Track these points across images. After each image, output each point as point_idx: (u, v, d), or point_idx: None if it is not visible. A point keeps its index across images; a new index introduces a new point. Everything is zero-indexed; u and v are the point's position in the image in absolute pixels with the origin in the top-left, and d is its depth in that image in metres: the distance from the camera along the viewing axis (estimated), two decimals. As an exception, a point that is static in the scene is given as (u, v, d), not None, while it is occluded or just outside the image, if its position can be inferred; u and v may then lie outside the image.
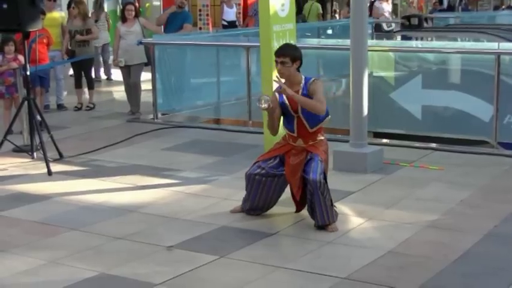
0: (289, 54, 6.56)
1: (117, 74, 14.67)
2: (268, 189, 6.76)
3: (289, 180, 6.69)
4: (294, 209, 6.90)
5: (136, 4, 13.33)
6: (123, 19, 12.44)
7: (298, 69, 6.64)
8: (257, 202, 6.84)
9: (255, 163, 6.81)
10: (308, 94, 6.55)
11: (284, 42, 8.89)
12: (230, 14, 19.78)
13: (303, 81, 6.64)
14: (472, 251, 6.00)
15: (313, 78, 6.66)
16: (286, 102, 6.62)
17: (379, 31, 18.81)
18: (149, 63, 12.12)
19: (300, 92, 6.57)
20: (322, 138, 6.74)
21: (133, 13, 12.39)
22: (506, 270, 5.66)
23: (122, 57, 12.18)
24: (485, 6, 32.35)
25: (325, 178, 6.49)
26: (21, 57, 10.16)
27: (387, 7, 20.56)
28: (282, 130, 6.89)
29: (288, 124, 6.73)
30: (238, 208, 7.05)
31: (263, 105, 6.46)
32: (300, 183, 6.59)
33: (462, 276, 5.53)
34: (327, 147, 6.77)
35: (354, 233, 6.51)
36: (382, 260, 5.86)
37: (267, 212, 6.97)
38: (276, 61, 6.61)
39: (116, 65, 12.43)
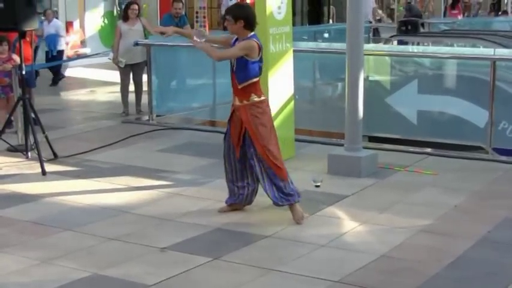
0: (231, 13, 6.84)
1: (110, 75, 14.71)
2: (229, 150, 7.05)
3: (234, 144, 6.97)
4: (287, 212, 6.89)
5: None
6: (125, 18, 12.46)
7: (246, 28, 6.80)
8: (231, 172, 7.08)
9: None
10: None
11: (280, 45, 8.94)
12: None
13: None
14: (465, 256, 6.01)
15: (252, 39, 6.84)
16: None
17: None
18: None
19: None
20: (257, 99, 6.87)
21: (137, 12, 12.46)
22: (499, 275, 5.67)
23: (123, 57, 12.20)
24: (482, 13, 32.43)
25: (267, 153, 6.77)
26: (16, 57, 10.14)
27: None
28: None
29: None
30: (225, 207, 7.10)
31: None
32: (237, 142, 6.92)
33: (455, 281, 5.54)
34: (263, 109, 6.90)
35: (348, 237, 6.51)
36: (375, 264, 5.86)
37: (261, 215, 6.97)
38: (223, 19, 6.89)
39: (116, 64, 12.41)
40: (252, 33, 6.82)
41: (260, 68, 6.88)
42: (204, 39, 7.08)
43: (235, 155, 6.97)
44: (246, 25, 6.78)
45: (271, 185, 6.80)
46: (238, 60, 6.76)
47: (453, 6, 26.82)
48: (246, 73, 6.78)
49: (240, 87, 6.81)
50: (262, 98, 6.90)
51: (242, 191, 7.04)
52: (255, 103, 6.83)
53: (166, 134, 10.88)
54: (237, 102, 6.87)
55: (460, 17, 24.86)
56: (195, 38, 7.01)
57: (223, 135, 7.12)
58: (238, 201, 7.10)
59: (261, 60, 6.85)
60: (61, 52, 16.49)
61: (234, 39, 6.91)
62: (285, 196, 6.79)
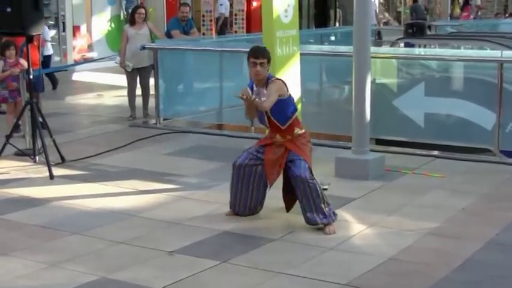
0: (267, 56, 6.83)
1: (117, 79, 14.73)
2: (249, 181, 6.93)
3: (266, 171, 6.83)
4: (295, 215, 6.90)
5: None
6: (132, 22, 12.48)
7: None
8: (240, 200, 7.00)
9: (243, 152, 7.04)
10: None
11: (287, 48, 8.94)
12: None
13: (265, 80, 6.86)
14: (473, 259, 5.99)
15: (273, 78, 6.91)
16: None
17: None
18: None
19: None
20: (301, 132, 6.90)
21: (144, 16, 12.49)
22: (507, 278, 5.65)
23: (130, 61, 12.22)
24: (488, 15, 32.40)
25: (311, 173, 6.66)
26: (23, 61, 10.16)
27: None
28: None
29: (262, 121, 6.98)
30: (231, 212, 7.14)
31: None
32: (277, 173, 6.79)
33: (463, 284, 5.53)
34: (308, 139, 6.94)
35: (355, 240, 6.50)
36: (383, 266, 5.85)
37: (268, 218, 6.97)
38: (255, 62, 6.78)
39: (123, 68, 12.43)
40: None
41: (293, 101, 6.95)
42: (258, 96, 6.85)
43: (264, 183, 6.91)
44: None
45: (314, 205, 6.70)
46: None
47: (463, 8, 26.89)
48: (286, 112, 6.82)
49: (284, 128, 6.83)
50: (304, 130, 6.94)
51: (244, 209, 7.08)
52: (300, 135, 6.87)
53: (174, 137, 10.89)
54: (279, 139, 6.84)
55: (469, 19, 24.89)
56: (256, 99, 6.74)
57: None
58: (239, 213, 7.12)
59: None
60: (48, 57, 16.02)
61: (251, 84, 6.91)
62: (325, 216, 6.71)
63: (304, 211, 6.69)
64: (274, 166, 6.80)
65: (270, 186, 6.91)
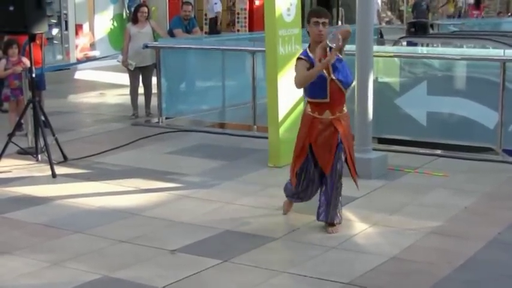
0: (329, 17, 6.57)
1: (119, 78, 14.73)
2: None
3: (319, 158, 6.60)
4: (298, 214, 6.90)
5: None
6: (135, 20, 12.48)
7: None
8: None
9: (292, 193, 6.88)
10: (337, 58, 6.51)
11: (290, 47, 8.92)
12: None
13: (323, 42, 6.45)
14: (475, 258, 5.99)
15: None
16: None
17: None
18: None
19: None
20: (346, 110, 6.69)
21: (146, 15, 12.49)
22: (509, 277, 5.65)
23: (133, 60, 12.22)
24: (491, 13, 32.37)
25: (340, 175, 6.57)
26: (25, 60, 10.17)
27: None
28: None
29: (319, 90, 6.51)
30: (286, 208, 7.06)
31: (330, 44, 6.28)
32: (329, 158, 6.54)
33: (465, 283, 5.53)
34: (349, 119, 6.75)
35: (358, 239, 6.50)
36: (385, 265, 5.85)
37: (271, 217, 6.98)
38: (317, 22, 6.47)
39: (126, 67, 12.43)
40: None
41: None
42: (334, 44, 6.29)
43: (320, 172, 6.68)
44: None
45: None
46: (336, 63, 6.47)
47: (477, 6, 26.96)
48: (349, 73, 6.61)
49: (345, 91, 6.57)
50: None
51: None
52: (346, 114, 6.68)
53: (176, 136, 10.89)
54: (328, 116, 6.53)
55: (480, 18, 24.99)
56: (330, 45, 6.26)
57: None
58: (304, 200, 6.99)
59: None
60: None
61: (305, 53, 6.55)
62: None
63: (321, 203, 6.64)
64: (325, 151, 6.55)
65: (327, 173, 6.61)
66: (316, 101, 6.56)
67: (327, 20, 6.50)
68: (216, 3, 22.92)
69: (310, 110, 6.63)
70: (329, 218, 6.60)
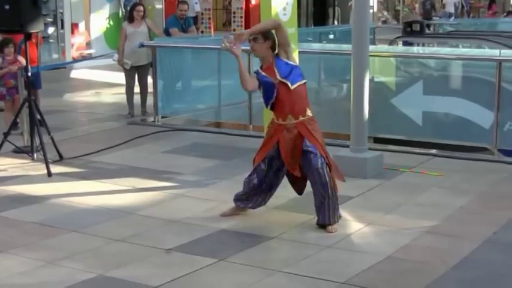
0: (260, 32, 6.70)
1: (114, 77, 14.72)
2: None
3: (287, 163, 6.70)
4: (293, 214, 6.90)
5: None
6: (131, 19, 12.46)
7: (272, 50, 6.72)
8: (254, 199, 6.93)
9: (253, 172, 6.87)
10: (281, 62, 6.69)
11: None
12: None
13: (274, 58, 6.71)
14: (471, 258, 6.00)
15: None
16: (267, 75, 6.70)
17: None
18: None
19: (274, 67, 6.66)
20: (311, 114, 6.75)
21: (142, 14, 12.47)
22: (505, 276, 5.66)
23: (129, 59, 12.20)
24: (486, 13, 32.40)
25: (328, 168, 6.59)
26: (21, 59, 10.15)
27: None
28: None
29: (270, 93, 6.70)
30: (228, 211, 7.07)
31: (224, 44, 6.65)
32: (297, 164, 6.66)
33: (460, 283, 5.54)
34: (317, 124, 6.79)
35: (354, 238, 6.50)
36: (381, 265, 5.85)
37: (266, 216, 6.97)
38: (249, 39, 6.70)
39: (121, 66, 12.41)
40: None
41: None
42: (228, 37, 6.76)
43: (285, 174, 6.84)
44: (273, 46, 6.73)
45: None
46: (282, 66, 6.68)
47: (489, 6, 27.10)
48: (297, 73, 6.73)
49: (293, 87, 6.61)
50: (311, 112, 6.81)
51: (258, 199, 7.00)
52: (311, 118, 6.74)
53: (172, 135, 10.89)
54: (291, 121, 6.65)
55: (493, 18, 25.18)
56: (226, 44, 6.67)
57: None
58: (249, 206, 7.06)
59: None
60: None
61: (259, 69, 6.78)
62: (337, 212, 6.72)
63: (318, 207, 6.66)
64: (292, 156, 6.64)
65: (298, 175, 6.75)
66: (277, 108, 6.71)
67: (258, 35, 6.66)
68: (196, 3, 22.77)
69: (275, 117, 6.80)
70: (326, 220, 6.62)
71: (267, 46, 6.68)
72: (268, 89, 6.68)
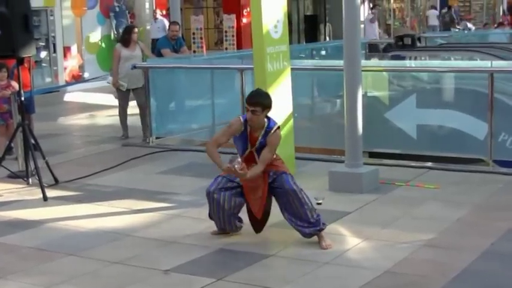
0: (260, 104, 6.68)
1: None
2: (226, 203, 6.83)
3: (248, 199, 6.79)
4: (289, 231, 6.88)
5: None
6: (127, 42, 12.41)
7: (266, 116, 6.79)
8: (221, 221, 6.93)
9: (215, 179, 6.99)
10: (264, 142, 6.75)
11: (278, 63, 8.94)
12: None
13: (265, 125, 6.76)
14: (469, 269, 5.99)
15: (274, 128, 6.77)
16: (248, 137, 6.81)
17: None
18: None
19: (258, 138, 6.74)
20: (274, 155, 6.85)
21: (136, 36, 12.46)
22: (504, 287, 5.64)
23: (123, 82, 12.17)
24: (477, 25, 32.55)
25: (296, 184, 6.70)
26: (14, 84, 10.14)
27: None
28: None
29: (241, 152, 6.90)
30: (217, 230, 7.10)
31: (236, 166, 6.63)
32: (261, 203, 6.75)
33: (460, 295, 5.53)
34: (282, 160, 6.95)
35: (351, 253, 6.49)
36: (379, 280, 5.84)
37: (263, 234, 6.96)
38: (247, 108, 6.71)
39: (117, 87, 12.36)
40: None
41: None
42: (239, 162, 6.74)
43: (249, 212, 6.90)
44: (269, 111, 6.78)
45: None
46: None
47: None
48: None
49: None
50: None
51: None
52: (276, 158, 6.87)
53: (167, 156, 10.88)
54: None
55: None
56: (236, 167, 6.65)
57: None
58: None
59: None
60: None
61: (244, 117, 6.77)
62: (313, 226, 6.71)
63: (298, 225, 6.68)
64: (255, 192, 6.77)
65: (260, 217, 6.85)
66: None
67: (258, 109, 6.64)
68: (159, 27, 22.51)
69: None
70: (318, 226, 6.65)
71: (264, 115, 6.74)
72: (238, 149, 6.92)
